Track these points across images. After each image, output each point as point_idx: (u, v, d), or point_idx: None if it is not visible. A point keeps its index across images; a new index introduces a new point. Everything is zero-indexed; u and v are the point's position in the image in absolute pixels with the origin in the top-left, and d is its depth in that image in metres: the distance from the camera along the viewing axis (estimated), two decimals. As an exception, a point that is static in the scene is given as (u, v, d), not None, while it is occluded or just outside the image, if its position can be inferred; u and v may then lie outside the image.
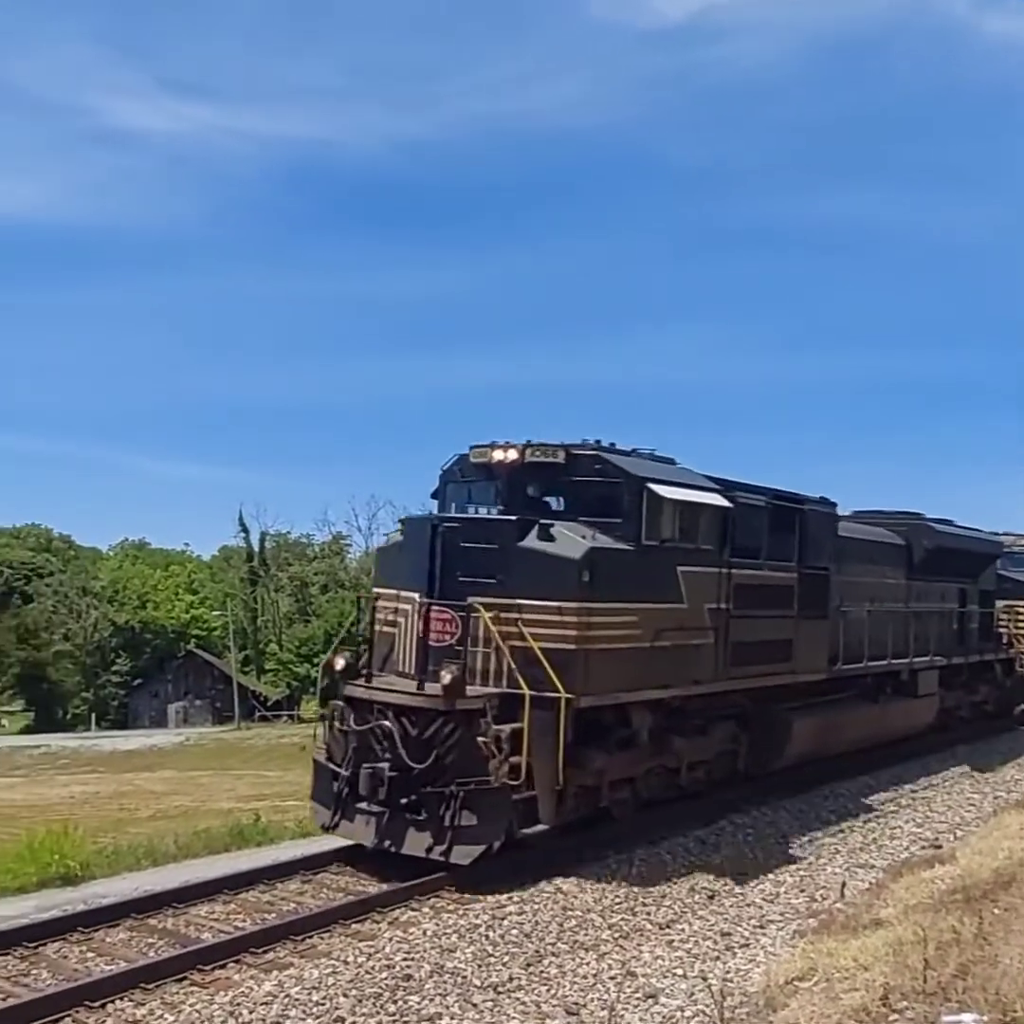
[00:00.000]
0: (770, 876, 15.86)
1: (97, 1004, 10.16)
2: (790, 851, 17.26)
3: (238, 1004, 10.10)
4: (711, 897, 14.67)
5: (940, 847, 18.00)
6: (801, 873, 16.17)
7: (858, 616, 21.87)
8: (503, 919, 12.84)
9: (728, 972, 11.97)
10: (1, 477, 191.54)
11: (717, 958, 12.49)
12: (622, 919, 13.43)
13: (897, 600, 24.18)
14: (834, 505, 21.74)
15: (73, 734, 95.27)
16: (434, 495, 17.35)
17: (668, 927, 13.37)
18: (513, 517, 15.41)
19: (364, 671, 15.29)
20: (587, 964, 11.91)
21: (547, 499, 16.24)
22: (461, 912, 13.00)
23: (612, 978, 11.61)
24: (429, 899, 13.46)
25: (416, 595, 15.31)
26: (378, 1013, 10.21)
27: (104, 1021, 10.00)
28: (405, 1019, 10.18)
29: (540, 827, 14.69)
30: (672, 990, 11.34)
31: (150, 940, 12.18)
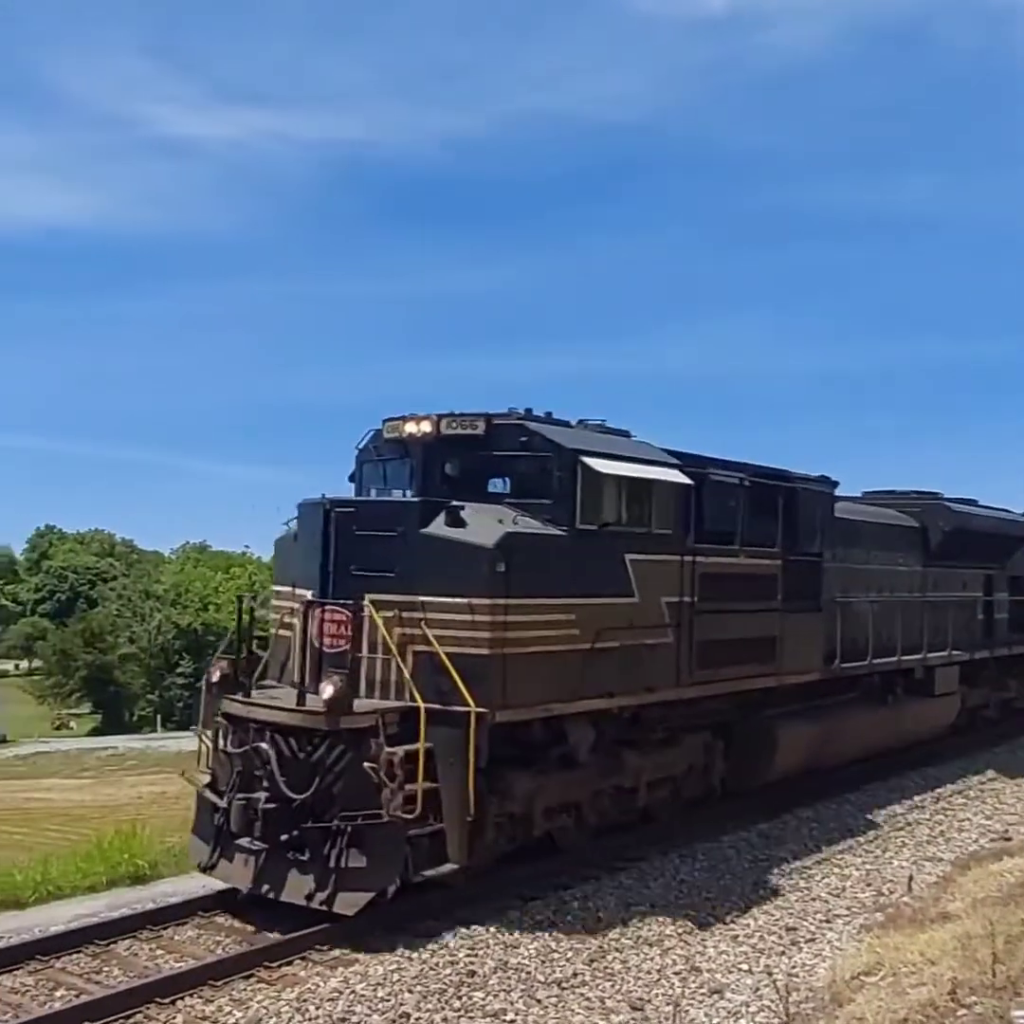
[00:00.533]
0: (836, 870, 15.35)
1: (168, 1000, 10.02)
2: (856, 844, 16.62)
3: (305, 1000, 9.94)
4: (776, 892, 14.21)
5: (1009, 839, 17.29)
6: (867, 867, 15.64)
7: (861, 608, 18.85)
8: (566, 915, 12.45)
9: (794, 967, 11.75)
10: (66, 484, 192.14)
11: (782, 953, 12.19)
12: (686, 914, 12.95)
13: (910, 589, 21.09)
14: (833, 484, 18.81)
15: (139, 736, 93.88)
16: (351, 478, 14.69)
17: (733, 922, 12.98)
18: (415, 499, 12.75)
19: (247, 682, 12.63)
20: (651, 959, 11.61)
21: (468, 478, 13.51)
22: (524, 907, 12.47)
23: (677, 973, 11.36)
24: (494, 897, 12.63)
25: (308, 593, 12.69)
26: (442, 1009, 10.01)
27: (174, 1017, 9.84)
28: (470, 1015, 9.99)
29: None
30: (737, 985, 11.12)
31: (217, 938, 11.75)
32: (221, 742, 12.58)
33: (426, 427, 13.41)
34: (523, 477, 13.28)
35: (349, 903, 11.28)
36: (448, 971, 10.76)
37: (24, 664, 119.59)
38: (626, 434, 14.82)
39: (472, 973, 10.75)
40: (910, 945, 10.85)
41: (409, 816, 11.27)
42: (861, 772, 19.66)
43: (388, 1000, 10.00)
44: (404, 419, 13.60)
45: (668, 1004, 10.47)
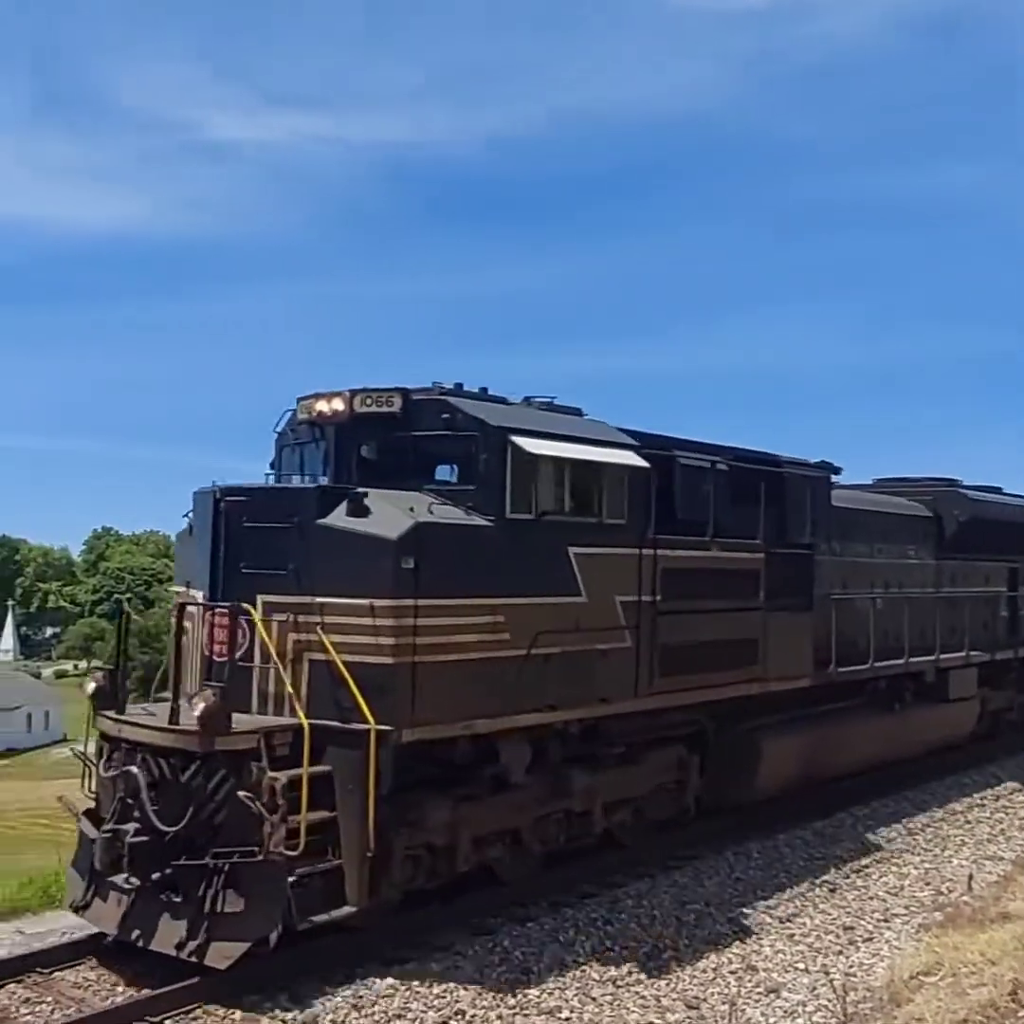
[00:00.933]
0: (893, 868, 14.82)
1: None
2: (914, 843, 16.02)
3: (360, 996, 9.71)
4: (832, 890, 13.73)
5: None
6: (926, 865, 15.09)
7: (862, 605, 16.76)
8: (621, 912, 12.06)
9: (851, 967, 11.48)
10: (122, 486, 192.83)
11: (840, 952, 11.89)
12: (741, 913, 12.62)
13: (921, 584, 18.91)
14: (832, 470, 16.81)
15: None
16: (271, 465, 12.92)
17: (789, 921, 12.63)
18: (311, 485, 10.98)
19: (123, 696, 10.90)
20: (706, 958, 11.36)
21: (386, 462, 11.70)
22: (578, 905, 12.09)
23: (732, 972, 11.12)
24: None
25: (201, 594, 10.96)
26: (497, 1006, 9.86)
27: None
28: (525, 1012, 9.84)
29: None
30: (794, 985, 10.91)
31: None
32: (101, 764, 10.90)
33: (338, 405, 11.62)
34: (446, 460, 11.46)
35: (222, 954, 9.48)
36: (503, 968, 10.53)
37: (83, 664, 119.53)
38: (577, 412, 12.95)
39: (527, 970, 10.55)
40: (970, 945, 10.61)
41: (293, 853, 9.49)
42: (919, 769, 18.84)
43: (443, 997, 9.80)
44: (316, 397, 11.82)
45: (724, 1003, 10.31)
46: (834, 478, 16.91)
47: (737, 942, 11.76)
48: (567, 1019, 9.79)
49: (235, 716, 9.95)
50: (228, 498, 10.71)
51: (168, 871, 9.86)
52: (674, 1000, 10.29)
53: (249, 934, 9.50)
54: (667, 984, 10.60)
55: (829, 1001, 10.22)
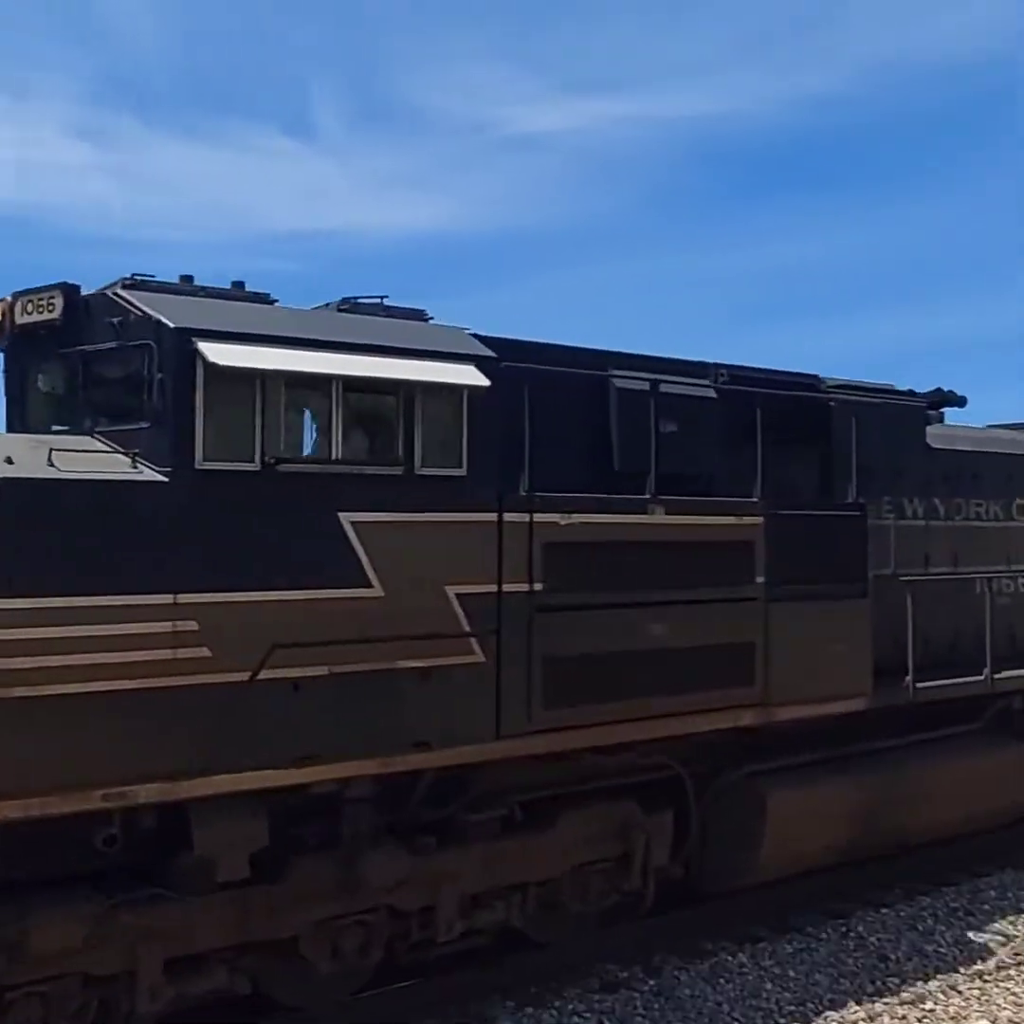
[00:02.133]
0: None
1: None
2: None
3: (716, 972, 9.26)
4: None
5: None
6: None
7: (969, 590, 11.14)
8: (982, 903, 11.16)
9: None
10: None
11: None
12: None
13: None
14: (943, 401, 11.40)
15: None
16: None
17: None
18: None
19: None
20: None
21: (61, 393, 7.65)
22: (936, 893, 11.27)
23: None
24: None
25: None
26: (856, 992, 9.13)
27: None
28: (885, 1000, 9.04)
29: None
30: None
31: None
32: None
33: (-3, 316, 7.68)
34: (114, 385, 7.28)
35: None
36: (859, 954, 9.87)
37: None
38: (419, 315, 8.44)
39: (884, 958, 9.84)
40: None
41: None
42: None
43: (798, 979, 9.30)
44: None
45: None
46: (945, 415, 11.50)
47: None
48: (931, 1010, 8.95)
49: None
50: None
51: None
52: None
53: None
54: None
55: None
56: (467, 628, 7.77)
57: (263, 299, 7.79)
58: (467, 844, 8.22)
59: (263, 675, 6.94)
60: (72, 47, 35.27)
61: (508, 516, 7.99)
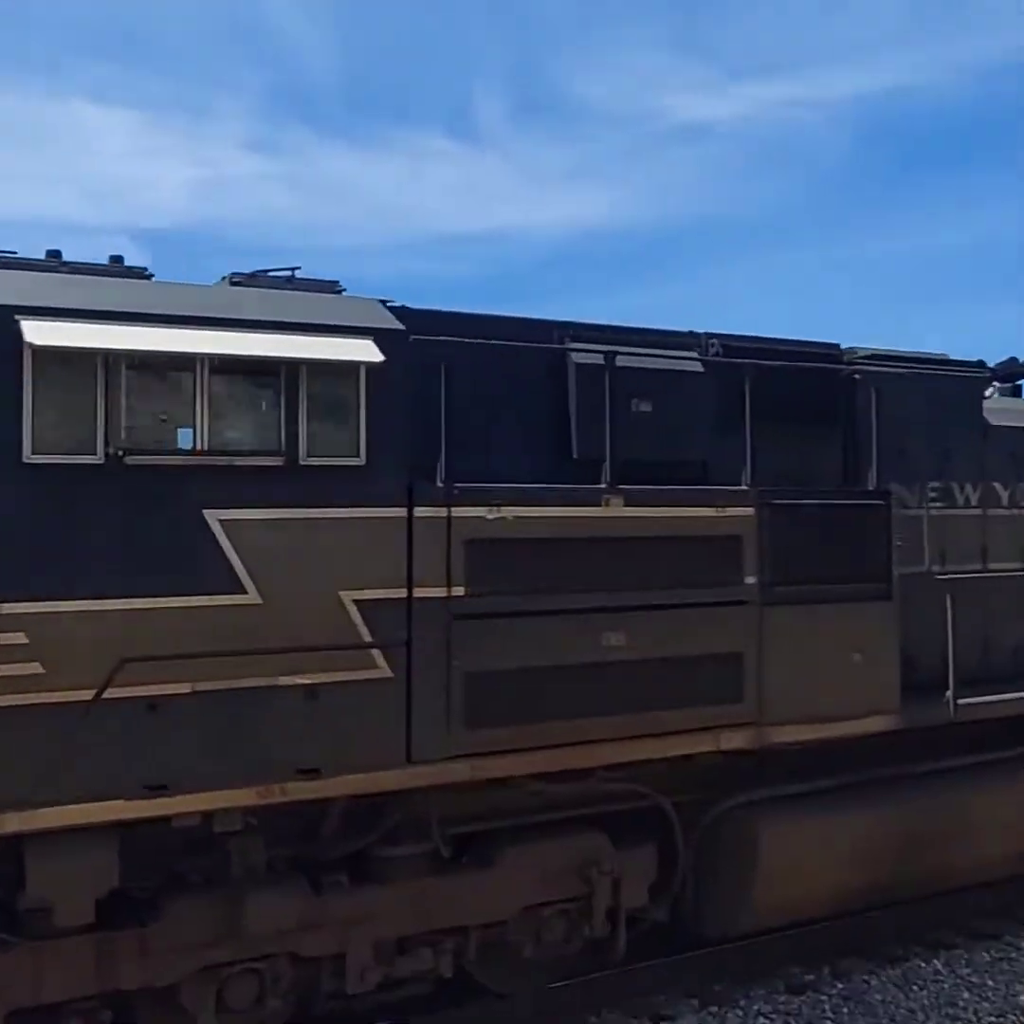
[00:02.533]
0: None
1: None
2: None
3: (908, 978, 8.94)
4: None
5: None
6: None
7: (1010, 589, 9.38)
8: None
9: None
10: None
11: None
12: None
13: None
14: (1006, 372, 9.82)
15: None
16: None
17: None
18: None
19: None
20: None
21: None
22: None
23: None
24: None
25: None
26: None
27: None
28: None
29: None
30: None
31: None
32: None
33: None
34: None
35: None
36: None
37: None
38: (331, 287, 7.42)
39: None
40: None
41: None
42: None
43: (998, 990, 8.88)
44: None
45: None
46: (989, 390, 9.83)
47: None
48: None
49: None
50: None
51: None
52: None
53: None
54: None
55: None
56: (368, 639, 6.74)
57: (139, 274, 6.92)
58: (385, 882, 7.19)
59: (110, 694, 6.09)
60: (243, 65, 35.75)
61: (420, 510, 6.92)
